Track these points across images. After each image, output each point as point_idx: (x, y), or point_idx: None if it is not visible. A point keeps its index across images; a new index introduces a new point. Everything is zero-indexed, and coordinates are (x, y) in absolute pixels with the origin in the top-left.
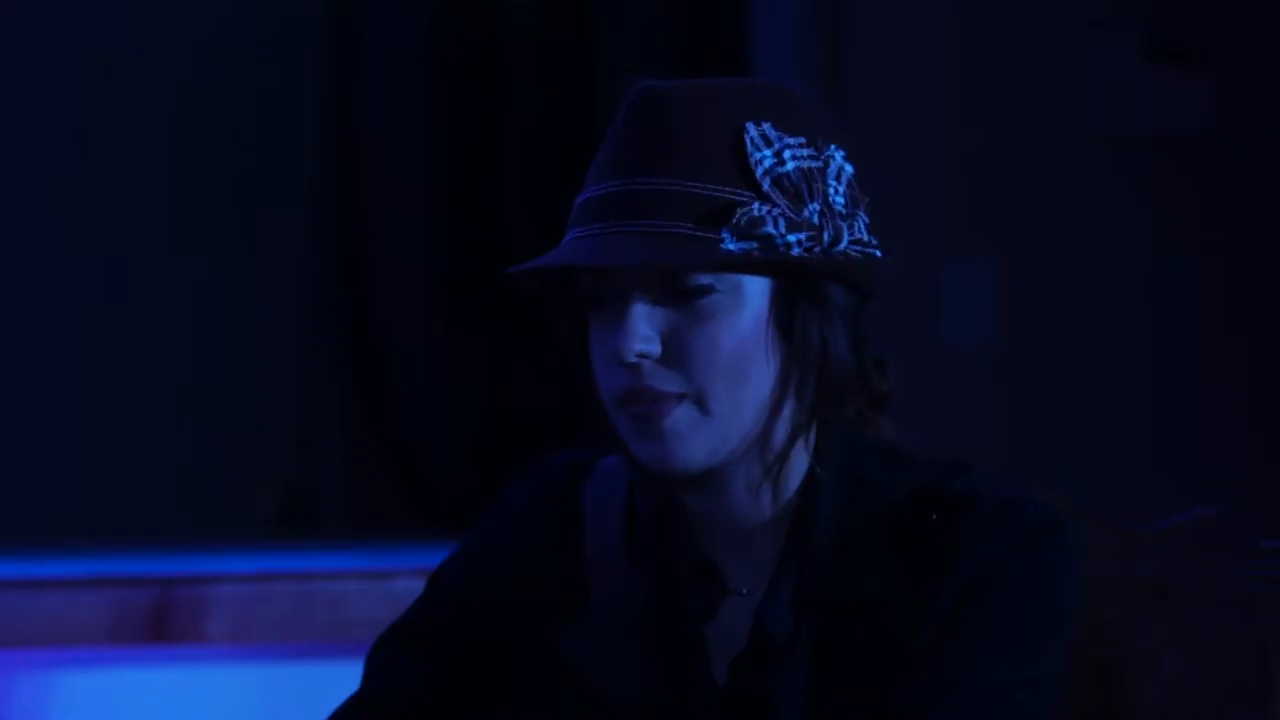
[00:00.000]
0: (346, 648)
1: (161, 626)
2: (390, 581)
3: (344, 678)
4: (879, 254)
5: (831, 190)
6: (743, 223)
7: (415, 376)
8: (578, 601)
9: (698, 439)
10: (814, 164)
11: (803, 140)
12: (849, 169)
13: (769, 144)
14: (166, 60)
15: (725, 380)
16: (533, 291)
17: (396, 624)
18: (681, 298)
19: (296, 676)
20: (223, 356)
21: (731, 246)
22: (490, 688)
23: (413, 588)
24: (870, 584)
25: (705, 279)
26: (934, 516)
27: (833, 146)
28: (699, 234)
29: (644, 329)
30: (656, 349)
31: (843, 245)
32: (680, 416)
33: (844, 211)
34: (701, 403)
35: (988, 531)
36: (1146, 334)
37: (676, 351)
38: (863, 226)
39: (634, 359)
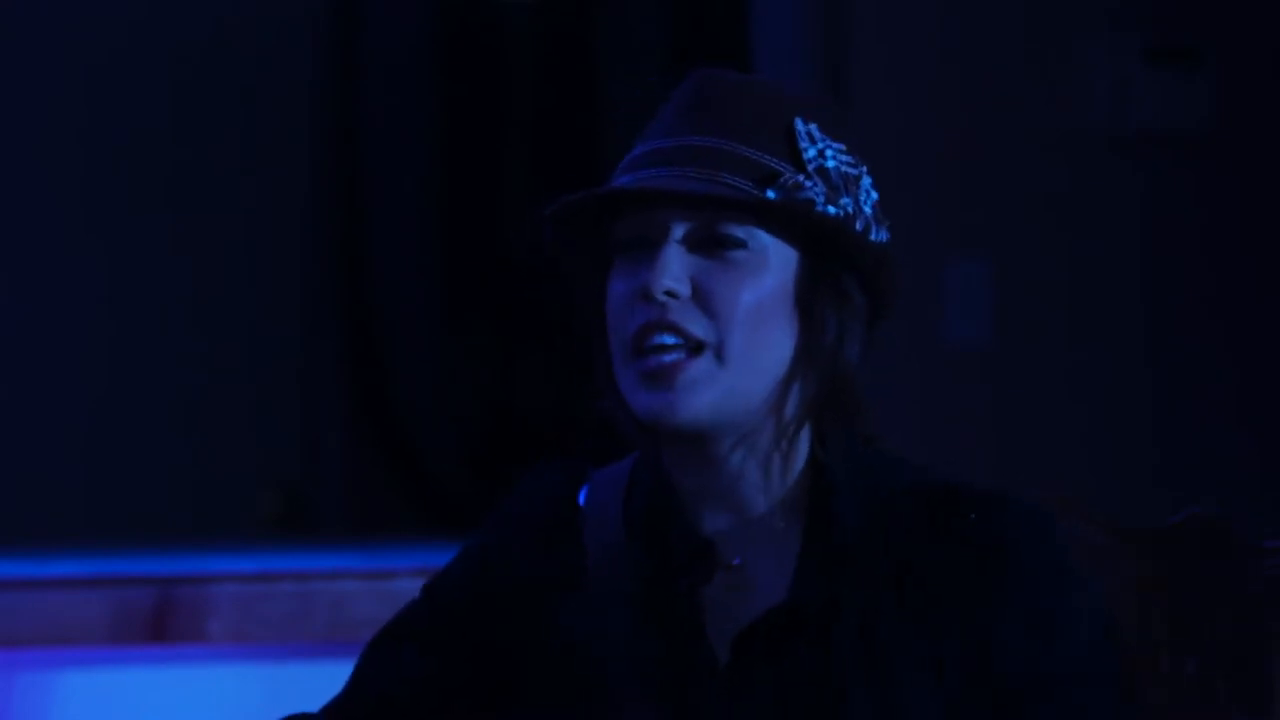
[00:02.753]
0: (346, 648)
1: (161, 626)
2: (390, 581)
3: (344, 678)
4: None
5: (863, 197)
6: (789, 184)
7: (415, 376)
8: (576, 596)
9: (708, 390)
10: (851, 170)
11: (844, 147)
12: (874, 195)
13: (814, 142)
14: (166, 60)
15: (742, 331)
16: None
17: (390, 625)
18: (714, 246)
19: (296, 676)
20: (222, 356)
21: (775, 199)
22: (487, 688)
23: (413, 588)
24: (898, 562)
25: (739, 232)
26: (973, 516)
27: (864, 168)
28: (746, 186)
29: (676, 268)
30: (686, 289)
31: (872, 239)
32: (696, 369)
33: (873, 217)
34: (720, 353)
35: (1029, 534)
36: (1146, 334)
37: (701, 296)
38: (886, 239)
39: (662, 296)
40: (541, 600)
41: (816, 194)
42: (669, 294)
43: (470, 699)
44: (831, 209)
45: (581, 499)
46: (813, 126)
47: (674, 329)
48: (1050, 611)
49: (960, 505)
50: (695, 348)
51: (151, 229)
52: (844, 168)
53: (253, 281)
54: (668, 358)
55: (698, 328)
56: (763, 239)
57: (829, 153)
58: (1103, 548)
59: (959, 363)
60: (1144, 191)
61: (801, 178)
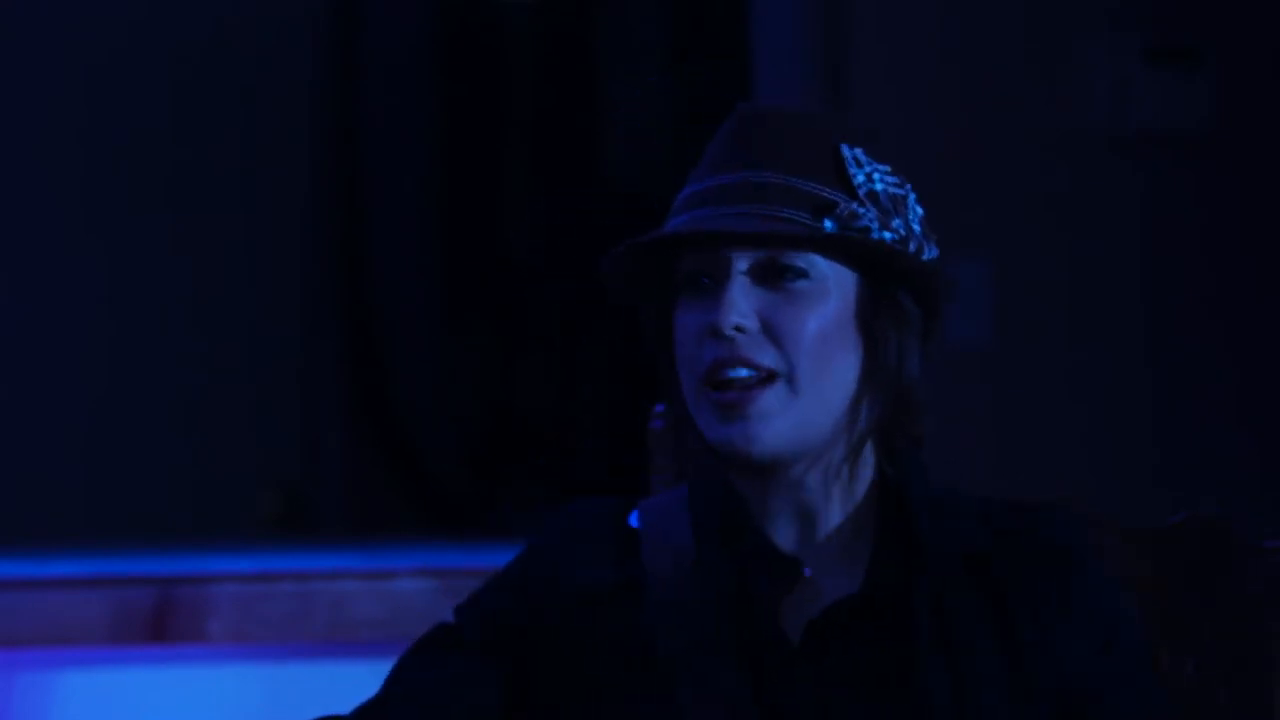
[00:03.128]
0: (346, 648)
1: (161, 626)
2: (390, 581)
3: (344, 678)
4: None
5: (912, 216)
6: (844, 214)
7: (415, 376)
8: (639, 603)
9: (783, 421)
10: (898, 190)
11: (889, 169)
12: (920, 210)
13: (860, 166)
14: (166, 60)
15: (810, 360)
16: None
17: (430, 634)
18: (777, 278)
19: (296, 676)
20: (222, 356)
21: (833, 231)
22: (541, 691)
23: (413, 588)
24: (968, 561)
25: (800, 262)
26: (1029, 519)
27: (909, 185)
28: (804, 219)
29: (743, 304)
30: (753, 323)
31: (925, 258)
32: (770, 398)
33: (923, 236)
34: (791, 381)
35: (1085, 541)
36: (1146, 334)
37: (768, 328)
38: (936, 254)
39: (731, 332)
40: (602, 607)
41: (870, 220)
42: (738, 329)
43: (523, 700)
44: (886, 234)
45: (632, 520)
46: (858, 151)
47: (746, 363)
48: (1110, 615)
49: (1019, 511)
50: (768, 377)
51: (151, 229)
52: (891, 189)
53: (253, 281)
54: (741, 388)
55: (768, 359)
56: (822, 267)
57: (876, 176)
58: (1103, 548)
59: (959, 363)
60: (1144, 191)
61: (855, 205)
